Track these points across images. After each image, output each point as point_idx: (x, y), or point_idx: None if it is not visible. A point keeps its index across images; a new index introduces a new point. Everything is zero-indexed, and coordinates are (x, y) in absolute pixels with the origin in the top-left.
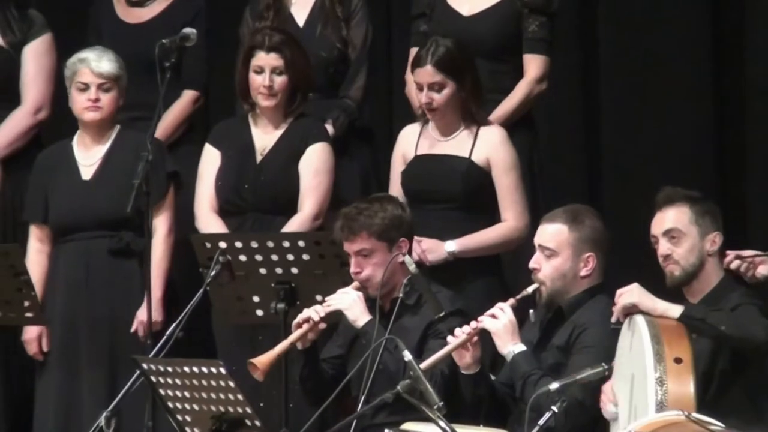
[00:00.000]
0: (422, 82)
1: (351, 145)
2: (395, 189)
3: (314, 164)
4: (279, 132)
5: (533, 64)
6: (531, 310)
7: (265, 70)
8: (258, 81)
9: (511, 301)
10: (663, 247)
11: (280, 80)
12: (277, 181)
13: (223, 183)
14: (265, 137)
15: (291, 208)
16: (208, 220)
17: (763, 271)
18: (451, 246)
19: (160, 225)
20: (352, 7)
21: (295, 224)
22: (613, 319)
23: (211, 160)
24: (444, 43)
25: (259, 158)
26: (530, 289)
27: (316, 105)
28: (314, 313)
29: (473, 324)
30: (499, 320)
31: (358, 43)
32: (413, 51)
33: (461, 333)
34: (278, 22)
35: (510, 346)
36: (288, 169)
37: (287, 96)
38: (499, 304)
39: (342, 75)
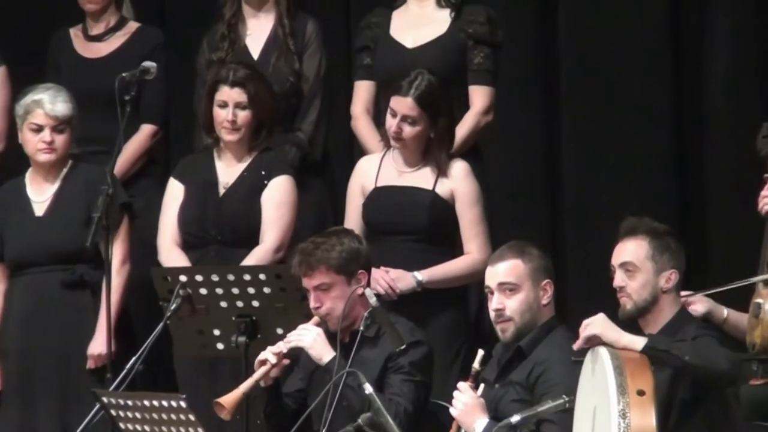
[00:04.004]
0: (398, 111)
1: (305, 178)
2: (352, 221)
3: (276, 197)
4: (242, 165)
5: (479, 96)
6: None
7: (229, 105)
8: (222, 115)
9: (466, 383)
10: (618, 278)
11: (243, 115)
12: (238, 213)
13: (185, 216)
14: (228, 171)
15: (253, 241)
16: (170, 253)
17: (698, 308)
18: (419, 275)
19: (114, 256)
20: (305, 39)
21: (255, 256)
22: (575, 347)
23: (174, 193)
24: (428, 78)
25: (222, 191)
26: (477, 364)
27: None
28: (271, 355)
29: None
30: (459, 401)
31: (311, 75)
32: (357, 84)
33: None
34: (233, 53)
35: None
36: (250, 201)
37: (251, 131)
38: (459, 385)
39: (295, 108)
